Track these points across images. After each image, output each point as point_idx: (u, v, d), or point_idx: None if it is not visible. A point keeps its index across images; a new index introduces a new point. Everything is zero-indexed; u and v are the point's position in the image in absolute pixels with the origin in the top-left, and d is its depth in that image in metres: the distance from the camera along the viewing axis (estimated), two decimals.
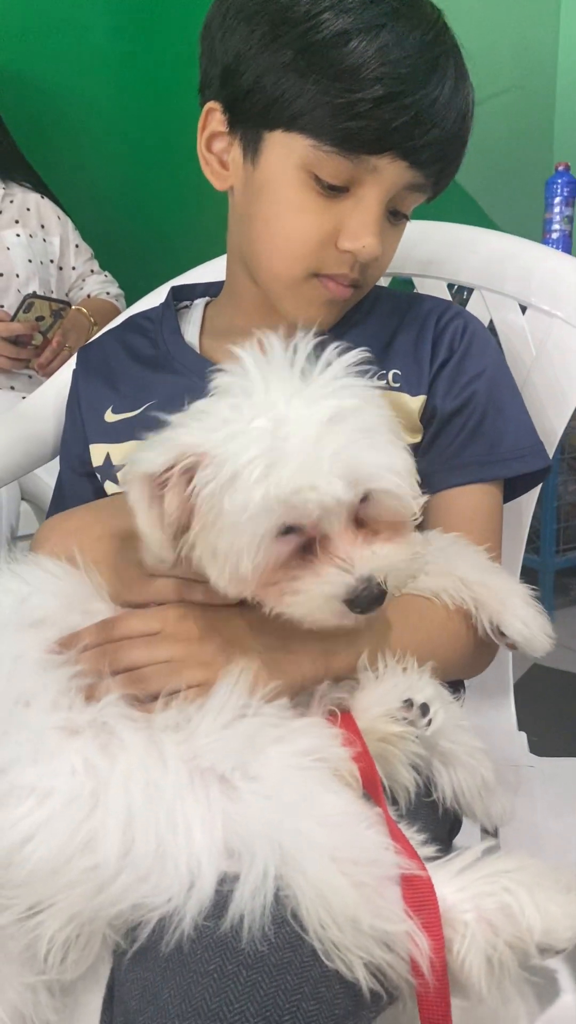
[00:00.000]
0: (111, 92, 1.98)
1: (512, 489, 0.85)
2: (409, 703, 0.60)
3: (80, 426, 0.90)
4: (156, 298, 1.00)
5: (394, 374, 0.82)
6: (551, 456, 0.88)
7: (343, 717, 0.59)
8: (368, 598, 0.55)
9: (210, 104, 0.77)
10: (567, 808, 0.79)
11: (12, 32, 1.85)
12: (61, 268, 1.76)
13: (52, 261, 1.72)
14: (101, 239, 1.86)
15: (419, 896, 0.49)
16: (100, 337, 0.97)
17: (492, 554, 0.74)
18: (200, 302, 0.94)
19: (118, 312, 1.75)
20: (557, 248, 2.16)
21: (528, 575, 2.30)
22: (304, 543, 0.55)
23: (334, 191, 0.72)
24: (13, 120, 1.75)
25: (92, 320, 1.65)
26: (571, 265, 0.93)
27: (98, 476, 0.87)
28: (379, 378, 0.80)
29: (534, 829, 0.76)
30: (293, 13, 0.68)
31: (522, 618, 0.68)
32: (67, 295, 1.76)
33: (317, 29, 0.67)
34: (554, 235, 2.15)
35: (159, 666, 0.58)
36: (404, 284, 1.01)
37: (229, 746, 0.50)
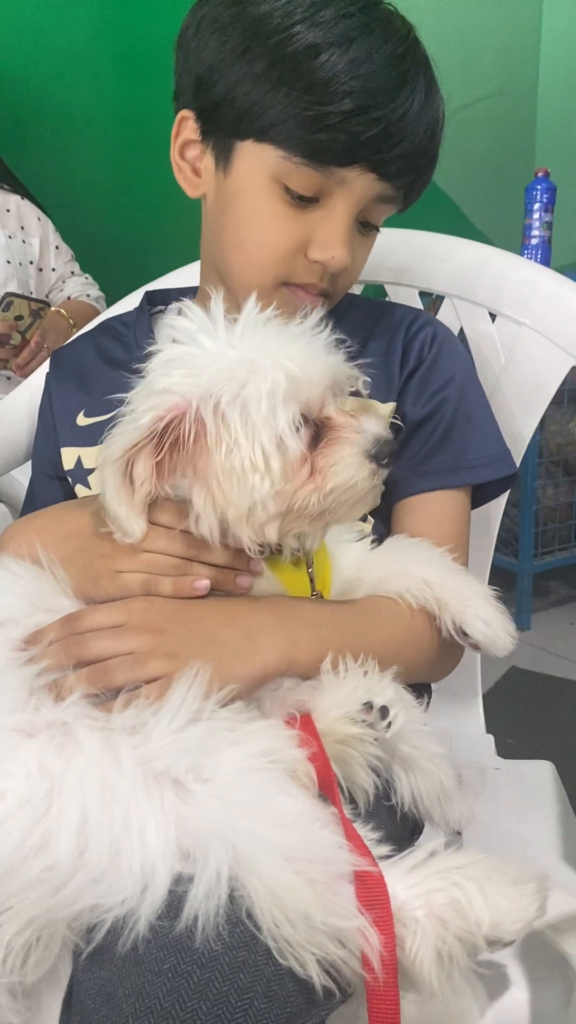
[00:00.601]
0: (94, 95, 1.98)
1: (481, 495, 0.87)
2: (369, 706, 0.61)
3: (52, 429, 0.90)
4: (131, 302, 1.01)
5: (363, 381, 0.83)
6: (522, 462, 0.89)
7: (302, 719, 0.60)
8: (387, 448, 0.63)
9: (183, 112, 0.78)
10: (530, 810, 0.81)
11: None
12: (41, 270, 1.76)
13: (32, 263, 1.72)
14: (82, 242, 1.86)
15: (371, 893, 0.50)
16: (74, 340, 0.97)
17: (459, 558, 0.75)
18: (174, 306, 0.94)
19: (98, 314, 1.76)
20: (536, 254, 2.18)
21: (507, 578, 2.34)
22: (313, 436, 0.62)
23: (304, 201, 0.73)
24: None
25: (71, 322, 1.65)
26: (540, 274, 0.94)
27: (69, 480, 0.88)
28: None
29: (496, 830, 0.77)
30: (266, 25, 0.70)
31: (484, 618, 0.70)
32: (47, 296, 1.75)
33: (289, 42, 0.68)
34: (533, 240, 2.17)
35: (124, 658, 0.58)
36: (376, 291, 1.03)
37: (183, 749, 0.51)
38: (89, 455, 0.86)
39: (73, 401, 0.90)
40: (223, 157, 0.76)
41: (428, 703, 0.80)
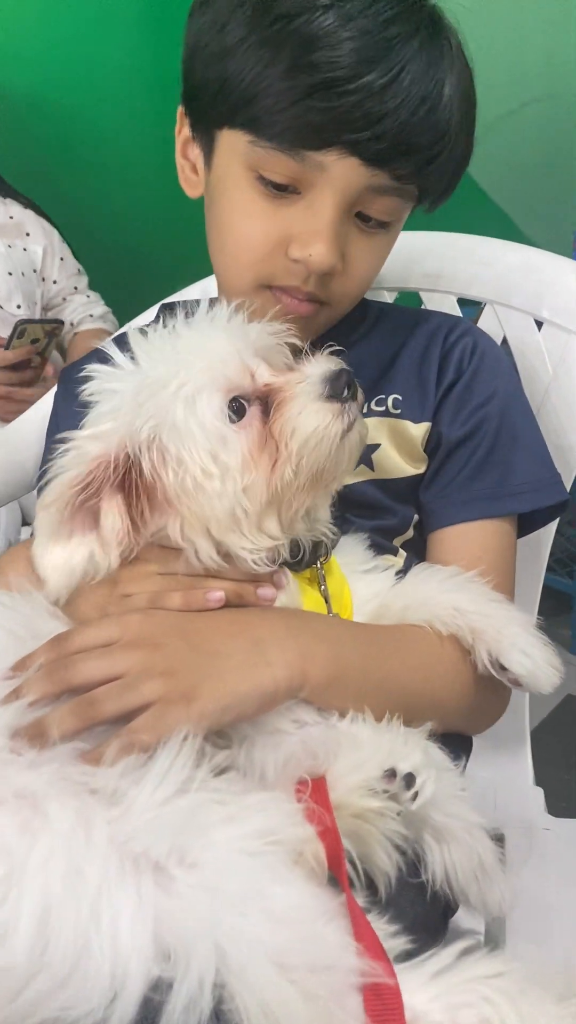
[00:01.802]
0: (129, 119, 1.96)
1: (528, 523, 0.78)
2: (392, 773, 0.53)
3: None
4: (148, 317, 0.96)
5: (394, 399, 0.76)
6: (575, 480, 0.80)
7: (313, 785, 0.52)
8: (341, 380, 0.58)
9: (181, 107, 0.72)
10: None
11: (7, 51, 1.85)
12: (43, 279, 1.68)
13: (35, 271, 1.65)
14: (98, 255, 1.82)
15: (384, 1006, 0.42)
16: (84, 357, 0.92)
17: (503, 595, 0.67)
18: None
19: (107, 335, 1.68)
20: None
21: (562, 600, 2.21)
22: (262, 410, 0.57)
23: (282, 192, 0.65)
24: (18, 140, 1.74)
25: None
26: None
27: None
28: (377, 403, 0.74)
29: (544, 906, 0.68)
30: None
31: (523, 648, 0.61)
32: (46, 307, 1.69)
33: (262, 12, 0.61)
34: None
35: (112, 684, 0.51)
36: (411, 299, 0.95)
37: (167, 827, 0.44)
38: None
39: (81, 418, 0.85)
40: (207, 149, 0.70)
41: (466, 763, 0.72)
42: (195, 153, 0.73)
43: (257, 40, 0.61)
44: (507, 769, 0.88)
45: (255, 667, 0.54)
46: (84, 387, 0.88)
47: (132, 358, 0.60)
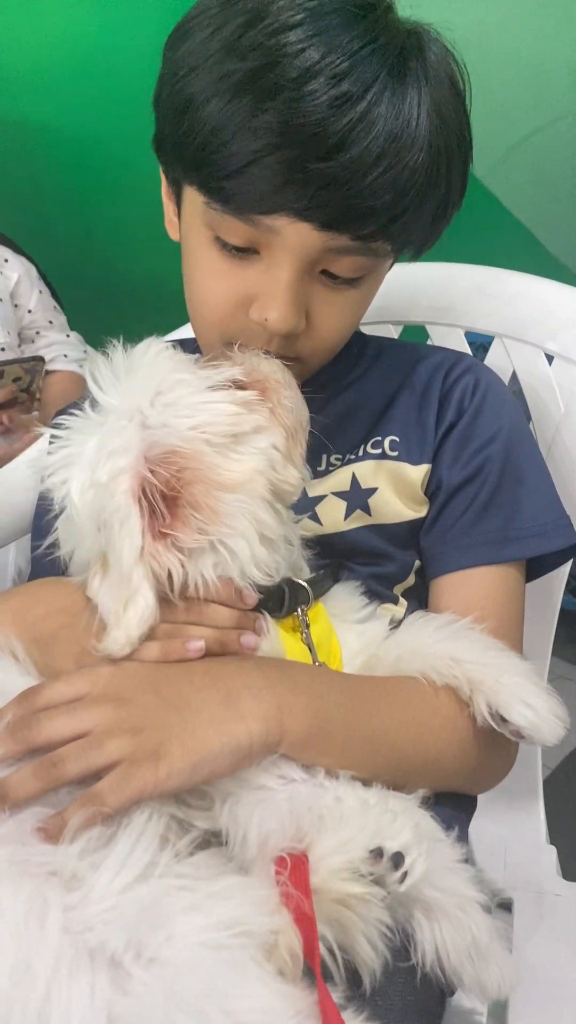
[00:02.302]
0: (123, 142, 1.97)
1: (537, 567, 0.74)
2: (378, 853, 0.49)
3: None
4: None
5: (391, 441, 0.73)
6: None
7: (294, 863, 0.49)
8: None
9: None
10: None
11: (18, 79, 1.87)
12: (17, 306, 1.64)
13: (11, 297, 1.62)
14: (109, 288, 1.81)
15: None
16: (76, 402, 0.91)
17: (507, 643, 0.63)
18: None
19: (79, 379, 1.64)
20: None
21: None
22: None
23: (241, 252, 0.62)
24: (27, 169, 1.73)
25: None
26: None
27: None
28: (374, 446, 0.72)
29: (552, 982, 0.63)
30: (223, 33, 0.58)
31: (524, 698, 0.57)
32: (19, 338, 1.65)
33: (230, 49, 0.57)
34: None
35: (76, 743, 0.49)
36: (417, 333, 0.92)
37: (126, 917, 0.41)
38: None
39: None
40: (177, 198, 0.67)
41: (468, 821, 0.68)
42: (170, 202, 0.71)
43: (212, 88, 0.57)
44: (518, 825, 0.84)
45: (227, 721, 0.51)
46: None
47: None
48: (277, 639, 0.60)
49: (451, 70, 0.62)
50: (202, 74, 0.58)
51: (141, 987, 0.39)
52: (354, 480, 0.72)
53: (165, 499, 0.54)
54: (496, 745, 0.62)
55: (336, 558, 0.69)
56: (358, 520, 0.71)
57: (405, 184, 0.58)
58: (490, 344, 0.88)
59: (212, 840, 0.53)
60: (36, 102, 1.91)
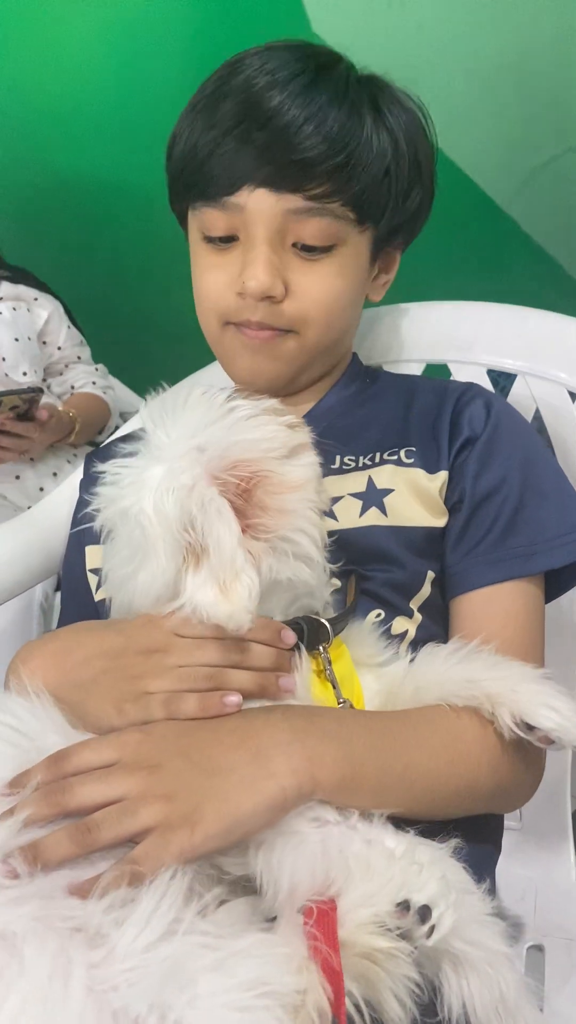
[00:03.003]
0: (148, 185, 2.01)
1: (559, 582, 0.74)
2: (405, 906, 0.49)
3: (82, 535, 0.85)
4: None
5: (407, 451, 0.75)
6: None
7: (319, 914, 0.48)
8: None
9: None
10: None
11: (43, 122, 1.90)
12: (45, 343, 1.69)
13: (39, 335, 1.67)
14: (130, 330, 1.84)
15: None
16: (108, 444, 0.94)
17: (532, 660, 0.65)
18: None
19: (104, 405, 1.71)
20: None
21: None
22: None
23: (223, 243, 0.74)
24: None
25: (72, 415, 1.59)
26: None
27: (94, 578, 0.81)
28: (390, 454, 0.75)
29: None
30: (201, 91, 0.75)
31: (545, 702, 0.58)
32: (46, 373, 1.69)
33: (202, 93, 0.75)
34: None
35: (110, 809, 0.50)
36: (440, 371, 0.92)
37: (149, 978, 0.41)
38: None
39: None
40: (186, 232, 0.80)
41: (492, 869, 0.67)
42: None
43: (188, 126, 0.74)
44: (547, 867, 0.82)
45: (259, 780, 0.52)
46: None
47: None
48: (308, 673, 0.61)
49: (409, 100, 0.79)
50: (187, 124, 0.75)
51: None
52: (370, 482, 0.74)
53: (241, 498, 0.58)
54: (525, 758, 0.63)
55: (351, 562, 0.70)
56: (373, 518, 0.72)
57: (336, 137, 0.70)
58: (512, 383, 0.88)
59: (239, 889, 0.53)
60: (61, 144, 1.96)
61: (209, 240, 0.74)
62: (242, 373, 0.78)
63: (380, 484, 0.73)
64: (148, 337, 1.99)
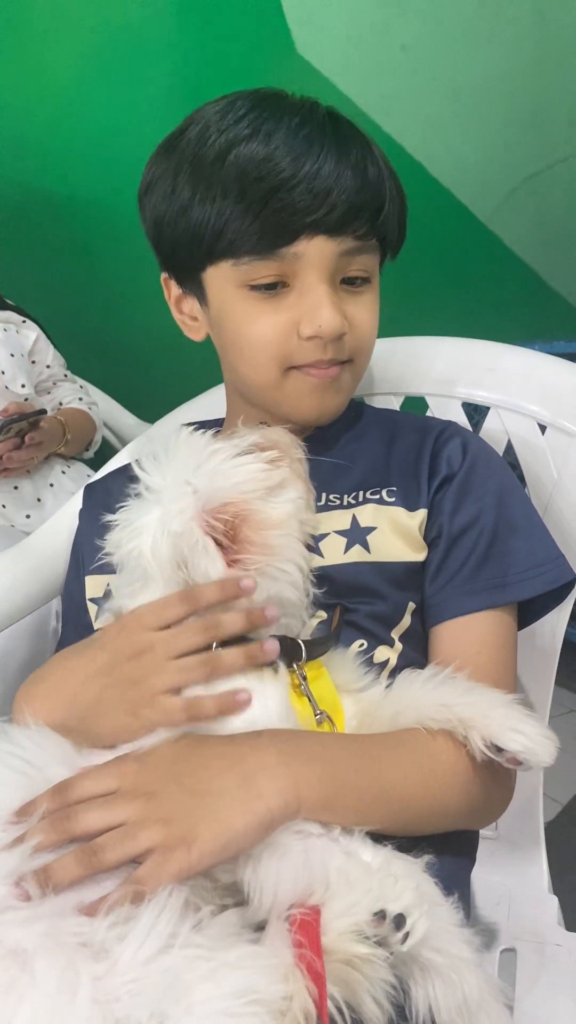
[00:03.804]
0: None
1: (533, 610, 0.79)
2: (381, 915, 0.53)
3: (81, 565, 0.89)
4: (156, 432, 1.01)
5: (388, 490, 0.79)
6: None
7: (301, 924, 0.53)
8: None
9: (163, 275, 0.83)
10: None
11: (28, 144, 1.92)
12: (34, 362, 1.75)
13: (29, 355, 1.73)
14: (112, 358, 1.86)
15: None
16: (108, 475, 0.98)
17: (505, 685, 0.69)
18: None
19: (90, 419, 1.78)
20: None
21: None
22: None
23: (274, 290, 0.75)
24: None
25: (65, 425, 1.66)
26: None
27: (93, 607, 0.86)
28: (372, 493, 0.79)
29: None
30: (185, 155, 0.75)
31: (513, 726, 0.62)
32: (36, 390, 1.74)
33: (201, 160, 0.74)
34: None
35: (113, 833, 0.54)
36: (417, 404, 0.97)
37: (150, 988, 0.45)
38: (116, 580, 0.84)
39: (102, 530, 0.89)
40: (199, 293, 0.80)
41: (467, 880, 0.72)
42: (189, 306, 0.83)
43: (205, 187, 0.73)
44: (520, 875, 0.87)
45: (248, 801, 0.56)
46: (106, 502, 0.95)
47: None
48: (286, 688, 0.65)
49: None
50: (192, 172, 0.74)
51: None
52: (354, 520, 0.78)
53: (228, 536, 0.63)
54: (495, 778, 0.67)
55: (336, 596, 0.74)
56: (357, 555, 0.76)
57: (377, 182, 0.75)
58: (485, 416, 0.92)
59: (227, 901, 0.57)
60: (46, 167, 1.99)
61: (255, 288, 0.75)
62: (311, 413, 0.80)
63: (363, 523, 0.77)
64: (136, 357, 2.03)
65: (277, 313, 0.75)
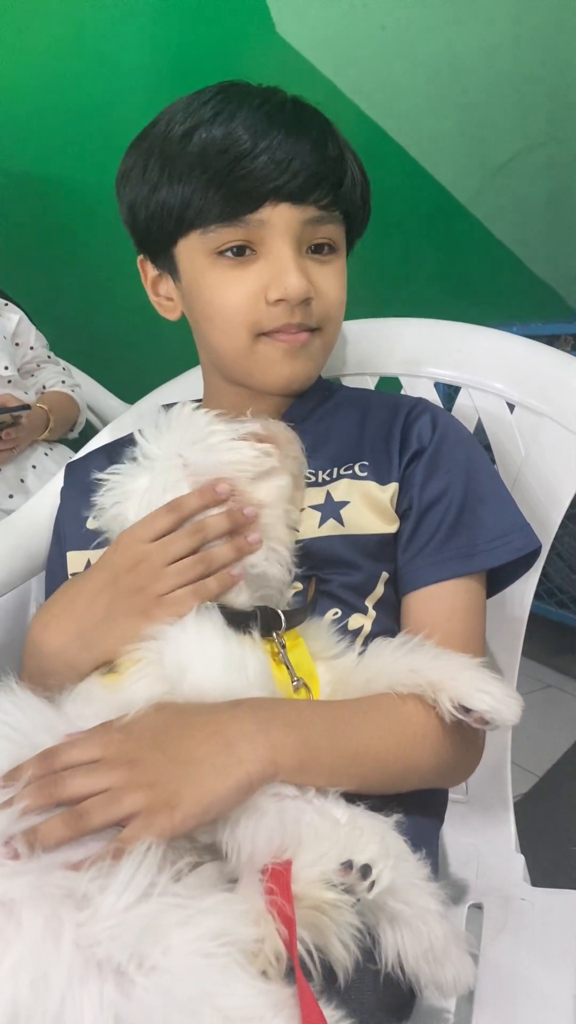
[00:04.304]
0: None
1: (503, 577, 0.82)
2: (348, 865, 0.57)
3: (63, 542, 0.91)
4: (136, 412, 1.04)
5: (361, 465, 0.82)
6: None
7: (272, 872, 0.56)
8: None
9: (139, 258, 0.86)
10: (555, 954, 0.74)
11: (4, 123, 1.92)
12: (18, 344, 1.77)
13: (12, 336, 1.75)
14: (97, 340, 1.86)
15: None
16: (89, 454, 1.00)
17: (474, 651, 0.72)
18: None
19: (74, 402, 1.80)
20: None
21: (571, 635, 2.21)
22: None
23: (242, 255, 0.78)
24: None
25: (48, 413, 1.68)
26: (559, 362, 0.90)
27: None
28: (345, 469, 0.82)
29: (514, 980, 0.71)
30: (155, 140, 0.79)
31: (479, 687, 0.65)
32: (19, 373, 1.77)
33: (169, 140, 0.78)
34: None
35: (98, 798, 0.57)
36: (392, 383, 1.00)
37: (128, 933, 0.48)
38: (97, 556, 0.87)
39: (83, 508, 0.91)
40: (172, 269, 0.83)
41: (435, 837, 0.76)
42: (166, 287, 0.86)
43: (171, 166, 0.77)
44: (490, 836, 0.91)
45: (228, 767, 0.59)
46: (90, 478, 0.97)
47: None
48: (266, 655, 0.68)
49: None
50: (161, 157, 0.78)
51: (143, 992, 0.46)
52: (328, 496, 0.80)
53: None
54: (464, 739, 0.70)
55: (311, 568, 0.77)
56: (331, 529, 0.79)
57: (337, 154, 0.79)
58: (457, 393, 0.95)
59: (205, 858, 0.60)
60: (26, 149, 1.98)
61: (222, 254, 0.78)
62: (280, 380, 0.83)
63: (337, 497, 0.80)
64: (118, 339, 2.03)
65: (245, 280, 0.78)
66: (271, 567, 0.71)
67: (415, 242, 2.41)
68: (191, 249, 0.80)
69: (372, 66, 2.15)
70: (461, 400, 0.94)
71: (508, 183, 2.49)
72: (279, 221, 0.76)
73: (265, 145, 0.75)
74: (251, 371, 0.83)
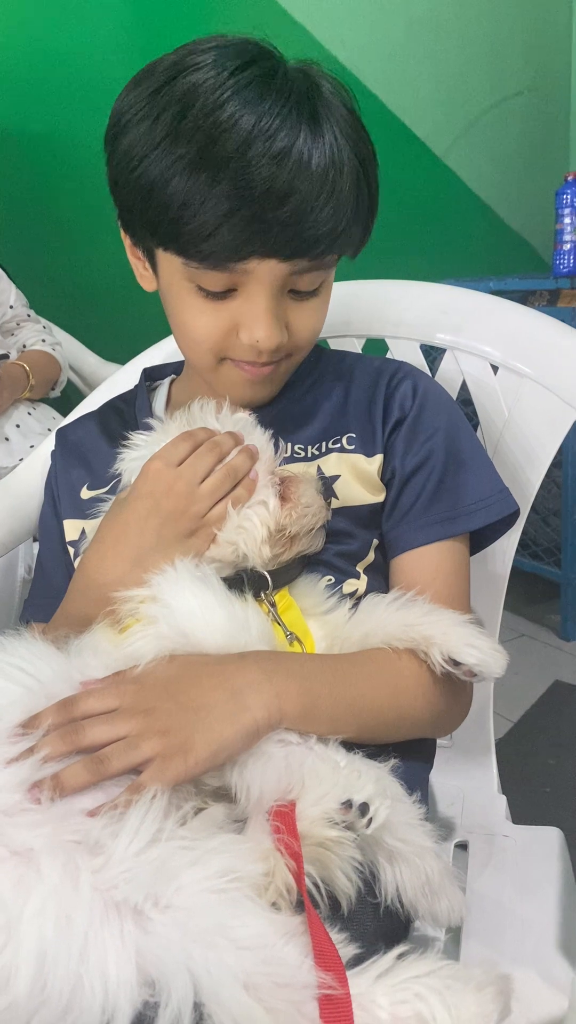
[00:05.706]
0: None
1: (485, 537, 0.85)
2: (348, 804, 0.60)
3: (57, 503, 0.92)
4: (124, 375, 1.03)
5: (348, 437, 0.84)
6: (562, 468, 0.86)
7: (277, 813, 0.59)
8: (327, 488, 0.82)
9: (119, 220, 0.80)
10: (536, 885, 0.79)
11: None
12: None
13: None
14: (85, 295, 1.84)
15: (336, 1012, 0.49)
16: (78, 419, 1.00)
17: (459, 609, 0.75)
18: (167, 380, 0.97)
19: (55, 361, 1.79)
20: (569, 259, 2.10)
21: (550, 588, 2.28)
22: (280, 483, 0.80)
23: (220, 295, 0.75)
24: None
25: (28, 371, 1.68)
26: (543, 324, 0.91)
27: (71, 551, 0.90)
28: (334, 443, 0.84)
29: (498, 910, 0.76)
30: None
31: (468, 642, 0.69)
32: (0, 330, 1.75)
33: (144, 179, 0.70)
34: (566, 246, 2.09)
35: (117, 745, 0.59)
36: (378, 346, 1.01)
37: (142, 875, 0.51)
38: (92, 526, 0.88)
39: (77, 475, 0.92)
40: (151, 260, 0.79)
41: (426, 779, 0.80)
42: (143, 263, 0.82)
43: (152, 204, 0.70)
44: (474, 779, 0.96)
45: (237, 714, 0.62)
46: (79, 450, 0.98)
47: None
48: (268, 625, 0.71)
49: (343, 95, 0.74)
50: (156, 160, 0.69)
51: (160, 927, 0.50)
52: (319, 471, 0.82)
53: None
54: (454, 690, 0.74)
55: None
56: None
57: (343, 207, 0.72)
58: (442, 355, 0.97)
59: (208, 803, 0.64)
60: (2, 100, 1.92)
61: (203, 291, 0.74)
62: (241, 400, 0.82)
63: (328, 471, 0.82)
64: (96, 297, 2.01)
65: (218, 313, 0.75)
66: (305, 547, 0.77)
67: (389, 197, 2.38)
68: (171, 265, 0.75)
69: (348, 16, 2.10)
70: (446, 363, 0.96)
71: (484, 136, 2.47)
72: (265, 273, 0.72)
73: (257, 209, 0.67)
74: (213, 384, 0.83)
